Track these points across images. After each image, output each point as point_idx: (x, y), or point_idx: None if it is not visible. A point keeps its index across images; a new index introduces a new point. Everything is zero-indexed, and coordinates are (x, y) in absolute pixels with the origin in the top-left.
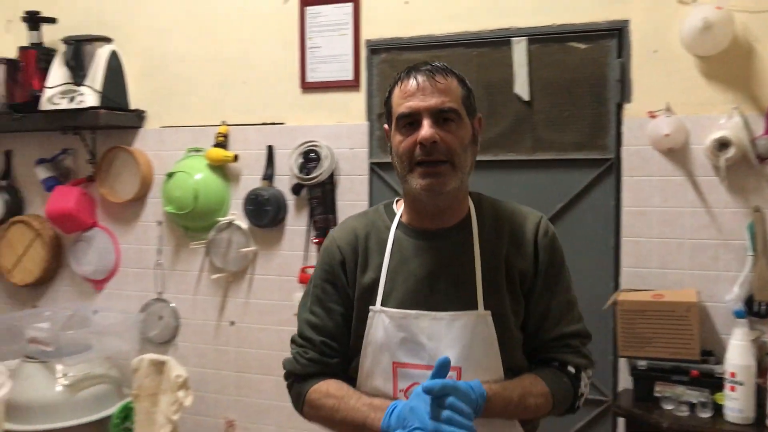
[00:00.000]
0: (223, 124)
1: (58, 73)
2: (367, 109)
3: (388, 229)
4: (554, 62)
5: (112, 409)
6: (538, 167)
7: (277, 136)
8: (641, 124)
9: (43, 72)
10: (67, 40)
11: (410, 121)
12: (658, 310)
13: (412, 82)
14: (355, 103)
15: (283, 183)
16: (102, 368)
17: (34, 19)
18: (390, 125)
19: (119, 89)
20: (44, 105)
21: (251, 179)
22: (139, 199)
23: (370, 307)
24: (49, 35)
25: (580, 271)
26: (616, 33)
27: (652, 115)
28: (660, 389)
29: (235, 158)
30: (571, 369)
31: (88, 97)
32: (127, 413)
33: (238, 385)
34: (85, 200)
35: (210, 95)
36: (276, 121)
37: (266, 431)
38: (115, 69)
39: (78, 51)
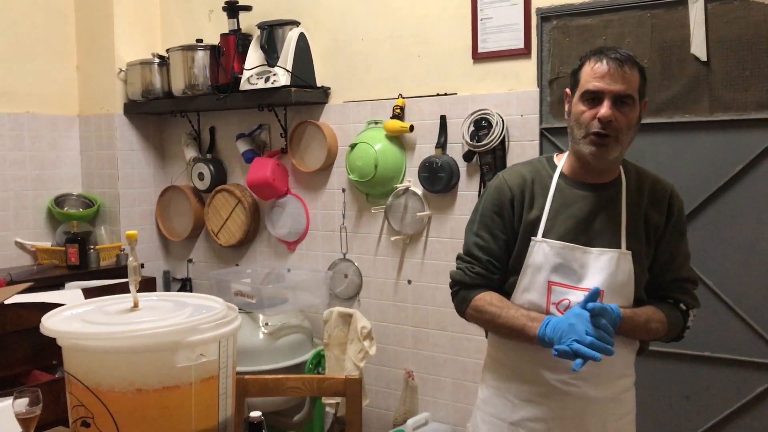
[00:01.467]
0: (400, 97)
1: (254, 56)
2: (538, 75)
3: (551, 177)
4: (734, 20)
5: (307, 356)
6: (716, 128)
7: (449, 106)
8: None
9: (242, 56)
10: (261, 26)
11: (594, 97)
12: None
13: (603, 65)
14: (526, 71)
15: (456, 151)
16: (296, 319)
17: (232, 8)
18: (573, 92)
19: (307, 68)
20: (243, 85)
21: (426, 148)
22: (326, 168)
23: (533, 238)
24: (246, 22)
25: (762, 235)
26: None
27: None
28: None
29: (411, 128)
30: (683, 306)
31: (281, 77)
32: (319, 359)
33: (416, 339)
34: (279, 170)
35: (387, 70)
36: (449, 92)
37: (443, 383)
38: (303, 50)
39: (271, 35)
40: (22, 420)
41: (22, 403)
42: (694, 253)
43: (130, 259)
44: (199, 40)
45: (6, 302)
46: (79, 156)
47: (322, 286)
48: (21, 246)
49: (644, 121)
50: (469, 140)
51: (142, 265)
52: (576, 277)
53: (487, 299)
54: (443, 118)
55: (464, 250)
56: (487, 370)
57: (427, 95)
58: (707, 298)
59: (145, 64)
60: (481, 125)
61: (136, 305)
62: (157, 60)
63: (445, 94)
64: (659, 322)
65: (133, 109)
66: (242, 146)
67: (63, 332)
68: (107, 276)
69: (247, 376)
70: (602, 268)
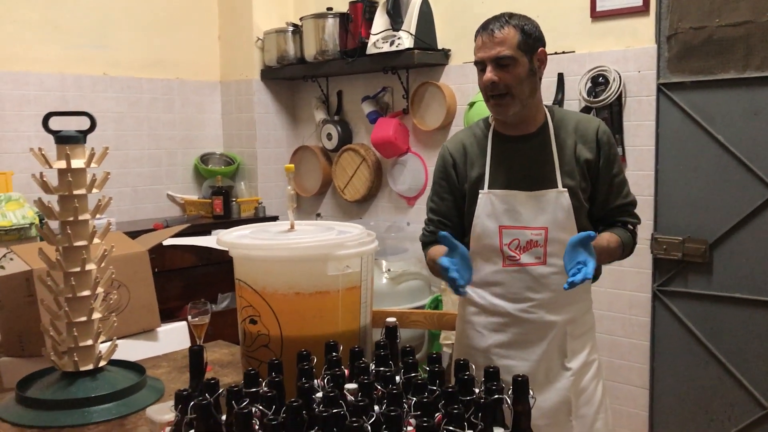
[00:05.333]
0: None
1: (380, 22)
2: (656, 32)
3: (486, 137)
4: None
5: (425, 300)
6: None
7: (567, 64)
8: None
9: (368, 22)
10: None
11: (482, 67)
12: None
13: (479, 40)
14: (644, 27)
15: (572, 107)
16: (416, 267)
17: None
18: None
19: (429, 31)
20: (370, 49)
21: (546, 103)
22: (444, 127)
23: (480, 191)
24: None
25: None
26: None
27: None
28: None
29: None
30: (630, 226)
31: (405, 40)
32: (437, 304)
33: None
34: (401, 129)
35: None
36: (566, 50)
37: None
38: (425, 14)
39: (396, 1)
40: (195, 326)
41: (195, 313)
42: None
43: (289, 188)
44: (329, 9)
45: (164, 243)
46: (221, 118)
47: None
48: (172, 198)
49: (765, 74)
50: (586, 96)
51: (276, 217)
52: (522, 218)
53: (433, 252)
54: (560, 76)
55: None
56: (460, 307)
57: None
58: None
59: (280, 32)
60: (598, 82)
61: (292, 227)
62: (291, 28)
63: (563, 53)
64: (616, 244)
65: (269, 75)
66: (367, 108)
67: (237, 244)
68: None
69: (374, 309)
70: (543, 208)
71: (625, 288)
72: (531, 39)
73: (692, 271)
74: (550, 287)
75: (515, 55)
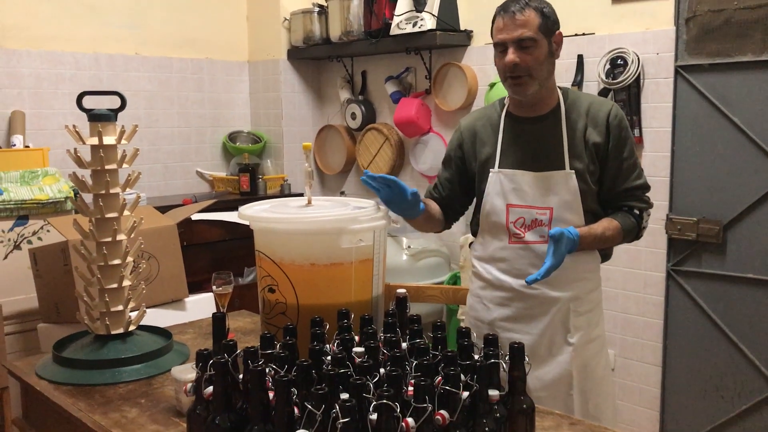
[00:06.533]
0: None
1: (403, 3)
2: (675, 14)
3: (500, 117)
4: None
5: (444, 277)
6: None
7: (586, 46)
8: None
9: (392, 3)
10: None
11: (502, 48)
12: None
13: (500, 21)
14: (663, 10)
15: (590, 88)
16: (435, 245)
17: None
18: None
19: (452, 13)
20: (393, 30)
21: (562, 86)
22: (466, 107)
23: (491, 170)
24: None
25: None
26: None
27: None
28: None
29: None
30: (636, 211)
31: (428, 21)
32: (455, 280)
33: None
34: (423, 109)
35: None
36: (587, 32)
37: None
38: None
39: None
40: (219, 296)
41: (220, 283)
42: None
43: (306, 165)
44: None
45: (192, 218)
46: (249, 97)
47: None
48: (200, 175)
49: None
50: (604, 78)
51: (301, 194)
52: (529, 198)
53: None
54: (580, 57)
55: None
56: (469, 282)
57: (566, 35)
58: None
59: (306, 12)
60: (617, 63)
61: (310, 202)
62: (317, 9)
63: (583, 34)
64: (614, 230)
65: (295, 55)
66: (390, 88)
67: (257, 217)
68: None
69: (392, 283)
70: (551, 189)
71: (640, 267)
72: (550, 21)
73: (706, 251)
74: None
75: (536, 37)
